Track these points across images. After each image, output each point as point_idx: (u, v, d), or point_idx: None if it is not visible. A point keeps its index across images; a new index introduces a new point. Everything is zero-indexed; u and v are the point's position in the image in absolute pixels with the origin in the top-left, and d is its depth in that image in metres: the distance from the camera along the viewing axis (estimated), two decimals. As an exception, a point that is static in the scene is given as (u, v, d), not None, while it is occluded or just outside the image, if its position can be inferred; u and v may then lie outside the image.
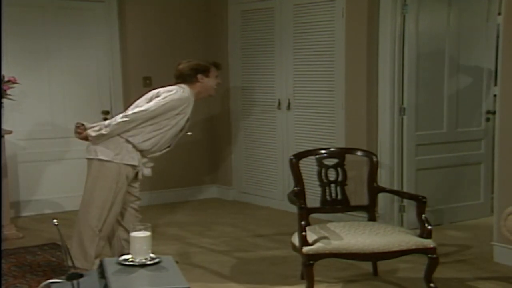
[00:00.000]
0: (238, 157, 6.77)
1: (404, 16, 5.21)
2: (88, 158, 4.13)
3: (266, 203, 6.46)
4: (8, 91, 5.32)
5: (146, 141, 4.11)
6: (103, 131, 4.03)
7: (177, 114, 4.15)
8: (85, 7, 6.23)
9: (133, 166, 4.13)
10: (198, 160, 6.86)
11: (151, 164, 4.29)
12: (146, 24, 6.47)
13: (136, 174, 4.21)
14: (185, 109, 4.19)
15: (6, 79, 5.31)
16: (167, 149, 4.31)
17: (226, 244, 5.10)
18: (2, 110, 5.12)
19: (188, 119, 4.27)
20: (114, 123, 4.05)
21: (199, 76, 4.30)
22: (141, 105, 4.15)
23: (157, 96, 4.17)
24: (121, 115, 4.13)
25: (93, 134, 4.05)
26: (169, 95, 4.13)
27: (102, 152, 4.05)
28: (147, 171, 4.25)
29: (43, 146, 6.11)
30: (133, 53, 6.42)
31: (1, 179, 4.93)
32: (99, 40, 6.27)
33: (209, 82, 4.35)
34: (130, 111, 4.12)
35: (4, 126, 5.65)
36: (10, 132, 5.42)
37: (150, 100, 4.16)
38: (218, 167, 6.98)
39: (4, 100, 5.36)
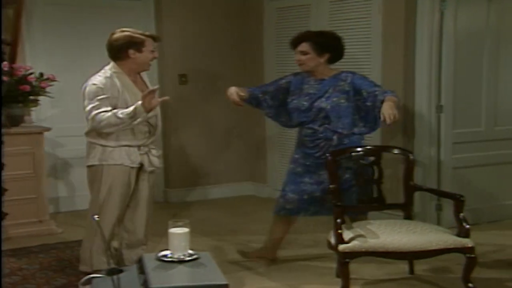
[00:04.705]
0: (273, 154, 6.78)
1: (442, 13, 5.15)
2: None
3: (300, 200, 6.45)
4: (47, 89, 5.42)
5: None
6: None
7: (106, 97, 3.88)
8: (123, 5, 6.31)
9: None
10: (234, 157, 6.89)
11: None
12: (182, 21, 6.52)
13: None
14: (112, 92, 3.88)
15: (45, 76, 5.41)
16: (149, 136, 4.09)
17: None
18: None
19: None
20: None
21: (131, 51, 3.94)
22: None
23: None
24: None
25: None
26: (87, 86, 3.95)
27: None
28: None
29: (81, 143, 6.15)
30: (169, 50, 6.46)
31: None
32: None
33: (141, 57, 3.98)
34: None
35: (43, 123, 5.77)
36: (49, 129, 5.52)
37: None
38: (253, 164, 7.00)
39: (42, 98, 5.47)
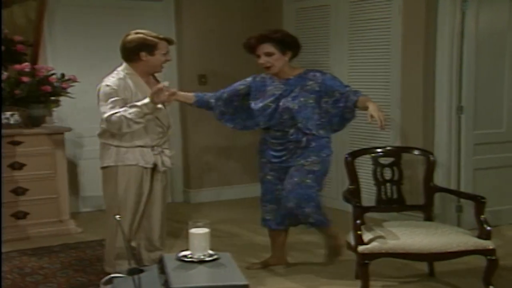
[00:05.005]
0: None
1: (463, 13, 5.11)
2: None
3: (319, 201, 6.44)
4: (68, 89, 5.46)
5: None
6: None
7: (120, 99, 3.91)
8: (143, 6, 6.34)
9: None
10: (253, 158, 6.87)
11: None
12: (202, 22, 6.54)
13: None
14: (125, 93, 3.92)
15: (66, 77, 5.45)
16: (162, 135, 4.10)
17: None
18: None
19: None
20: None
21: (143, 54, 3.96)
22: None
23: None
24: None
25: None
26: (100, 87, 3.98)
27: None
28: None
29: (101, 143, 6.23)
30: (189, 51, 6.49)
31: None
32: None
33: (153, 60, 3.99)
34: None
35: (64, 124, 5.82)
36: (69, 130, 5.56)
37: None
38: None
39: (63, 98, 5.51)
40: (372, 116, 3.78)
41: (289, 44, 4.15)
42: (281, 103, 4.09)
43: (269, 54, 4.09)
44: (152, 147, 4.04)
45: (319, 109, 4.10)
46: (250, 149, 6.82)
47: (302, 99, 4.07)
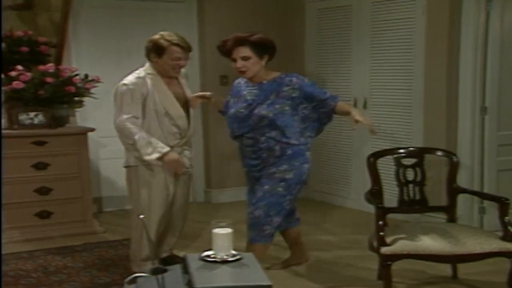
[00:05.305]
0: (312, 155, 6.71)
1: (488, 13, 5.07)
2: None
3: (339, 202, 6.44)
4: (91, 90, 5.51)
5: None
6: None
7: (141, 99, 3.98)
8: (165, 7, 6.38)
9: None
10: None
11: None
12: (224, 23, 6.55)
13: None
14: (141, 90, 3.97)
15: (89, 78, 5.50)
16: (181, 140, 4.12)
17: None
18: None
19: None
20: None
21: (152, 55, 4.02)
22: None
23: None
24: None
25: None
26: (118, 87, 4.04)
27: None
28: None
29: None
30: (211, 52, 6.48)
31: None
32: (179, 39, 6.41)
33: (161, 63, 4.01)
34: None
35: (87, 124, 5.87)
36: (93, 130, 5.61)
37: None
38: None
39: (86, 98, 5.56)
40: (357, 121, 3.69)
41: (266, 48, 3.91)
42: (256, 111, 3.89)
43: (245, 58, 3.86)
44: (171, 147, 4.05)
45: (298, 116, 3.92)
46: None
47: (277, 106, 3.86)
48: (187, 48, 4.03)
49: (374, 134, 3.83)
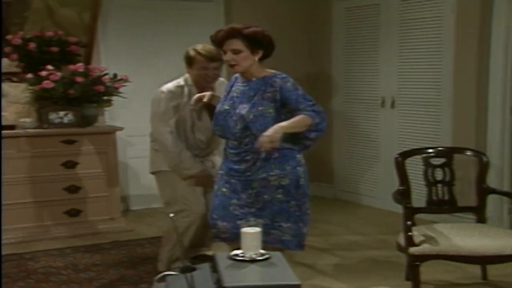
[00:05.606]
0: (339, 155, 6.75)
1: (519, 11, 5.02)
2: None
3: (366, 201, 6.41)
4: (120, 89, 5.56)
5: None
6: None
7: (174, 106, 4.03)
8: (193, 7, 6.41)
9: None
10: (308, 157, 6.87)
11: None
12: (251, 22, 6.53)
13: None
14: (178, 99, 4.03)
15: (118, 77, 5.55)
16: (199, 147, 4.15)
17: (327, 242, 5.10)
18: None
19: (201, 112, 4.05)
20: None
21: (186, 66, 4.08)
22: None
23: None
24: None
25: None
26: (156, 93, 4.11)
27: None
28: None
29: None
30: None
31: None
32: (207, 39, 6.41)
33: (193, 74, 4.03)
34: None
35: (116, 123, 5.92)
36: (121, 129, 5.66)
37: None
38: (319, 164, 6.97)
39: (115, 98, 5.61)
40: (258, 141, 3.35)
41: (261, 43, 3.57)
42: (237, 110, 3.54)
43: (236, 52, 3.52)
44: (197, 155, 4.12)
45: (280, 121, 3.47)
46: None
47: (260, 108, 3.49)
48: (211, 58, 3.98)
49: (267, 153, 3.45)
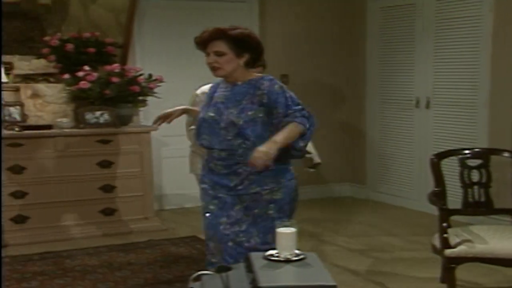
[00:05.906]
0: (372, 155, 6.71)
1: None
2: None
3: (400, 202, 6.36)
4: (155, 89, 5.61)
5: None
6: None
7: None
8: (228, 6, 6.46)
9: None
10: (332, 158, 6.86)
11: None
12: (286, 22, 6.58)
13: None
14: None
15: (153, 77, 5.60)
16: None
17: (361, 243, 5.08)
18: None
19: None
20: None
21: None
22: None
23: None
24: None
25: None
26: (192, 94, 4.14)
27: None
28: None
29: (184, 143, 6.33)
30: (272, 51, 6.50)
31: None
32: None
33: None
34: None
35: (150, 123, 5.93)
36: (156, 129, 5.69)
37: None
38: (352, 165, 6.95)
39: (150, 98, 5.66)
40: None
41: (247, 46, 3.31)
42: (224, 116, 3.26)
43: (219, 54, 3.27)
44: None
45: (271, 126, 3.26)
46: (330, 150, 6.83)
47: (249, 112, 3.24)
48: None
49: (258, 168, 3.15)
